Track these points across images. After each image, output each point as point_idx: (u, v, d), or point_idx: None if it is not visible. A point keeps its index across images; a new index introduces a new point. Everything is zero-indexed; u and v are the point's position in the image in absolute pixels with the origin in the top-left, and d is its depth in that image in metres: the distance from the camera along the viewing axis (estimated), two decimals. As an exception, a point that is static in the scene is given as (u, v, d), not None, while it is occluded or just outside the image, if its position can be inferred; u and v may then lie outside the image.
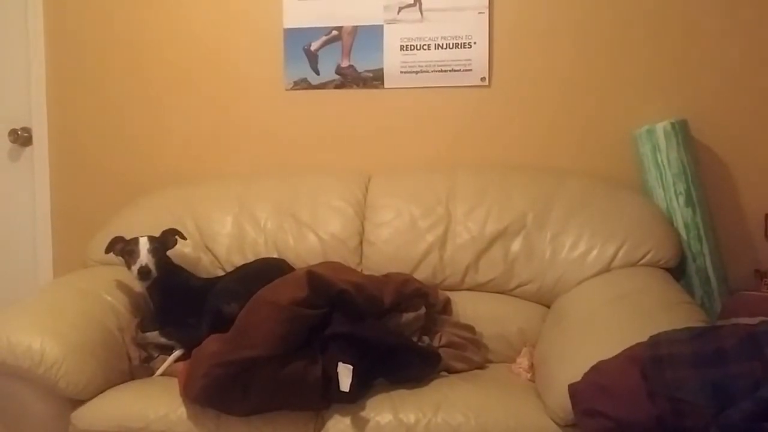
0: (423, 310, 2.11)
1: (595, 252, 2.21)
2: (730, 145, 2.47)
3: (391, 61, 2.63)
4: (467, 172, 2.46)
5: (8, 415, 1.95)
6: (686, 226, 2.32)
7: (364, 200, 2.45)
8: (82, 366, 1.89)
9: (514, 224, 2.30)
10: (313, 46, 2.67)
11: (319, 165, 2.69)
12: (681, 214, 2.33)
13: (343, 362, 1.76)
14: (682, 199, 2.33)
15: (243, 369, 1.77)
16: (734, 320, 1.77)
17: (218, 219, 2.47)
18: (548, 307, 2.23)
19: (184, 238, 2.29)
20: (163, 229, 2.26)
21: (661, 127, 2.35)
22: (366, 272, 2.32)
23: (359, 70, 2.65)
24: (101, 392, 1.93)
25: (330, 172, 2.57)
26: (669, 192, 2.35)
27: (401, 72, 2.62)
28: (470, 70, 2.59)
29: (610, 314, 1.89)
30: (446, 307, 2.24)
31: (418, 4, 2.59)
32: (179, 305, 2.17)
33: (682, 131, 2.36)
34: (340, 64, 2.67)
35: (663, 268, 2.18)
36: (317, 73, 2.68)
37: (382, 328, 2.00)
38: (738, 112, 2.46)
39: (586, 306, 2.02)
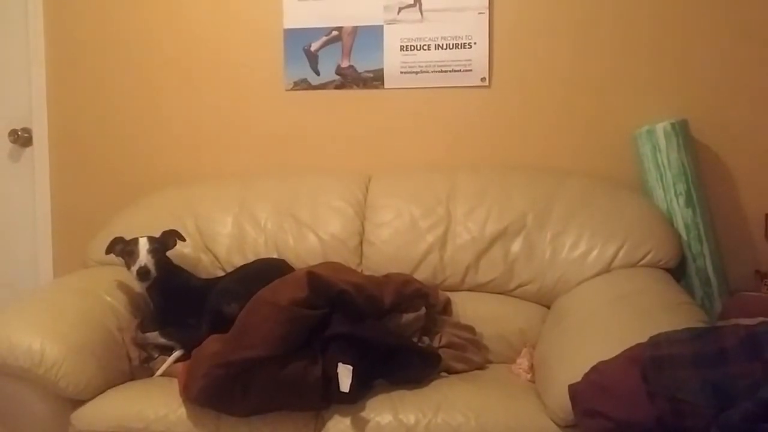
0: (423, 310, 2.11)
1: (595, 252, 2.21)
2: (730, 145, 2.47)
3: (391, 61, 2.63)
4: (467, 172, 2.46)
5: (8, 416, 1.95)
6: (686, 226, 2.32)
7: (364, 200, 2.45)
8: (82, 366, 1.89)
9: (514, 224, 2.30)
10: (313, 47, 2.67)
11: (319, 165, 2.69)
12: (681, 215, 2.33)
13: (343, 363, 1.76)
14: (682, 199, 2.33)
15: (243, 369, 1.77)
16: (734, 321, 1.77)
17: (218, 219, 2.47)
18: (548, 307, 2.23)
19: (183, 239, 2.29)
20: (163, 229, 2.26)
21: (661, 127, 2.35)
22: (366, 272, 2.32)
23: (359, 71, 2.65)
24: (101, 392, 1.93)
25: (330, 173, 2.57)
26: (669, 192, 2.34)
27: (401, 72, 2.62)
28: (470, 70, 2.59)
29: (611, 315, 1.89)
30: (446, 307, 2.24)
31: (418, 5, 2.59)
32: (179, 306, 2.17)
33: (682, 131, 2.36)
34: (340, 64, 2.67)
35: (663, 269, 2.18)
36: (317, 73, 2.68)
37: (382, 328, 1.99)
38: (738, 112, 2.46)
39: (586, 306, 2.02)
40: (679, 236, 2.30)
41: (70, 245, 2.83)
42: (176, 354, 2.10)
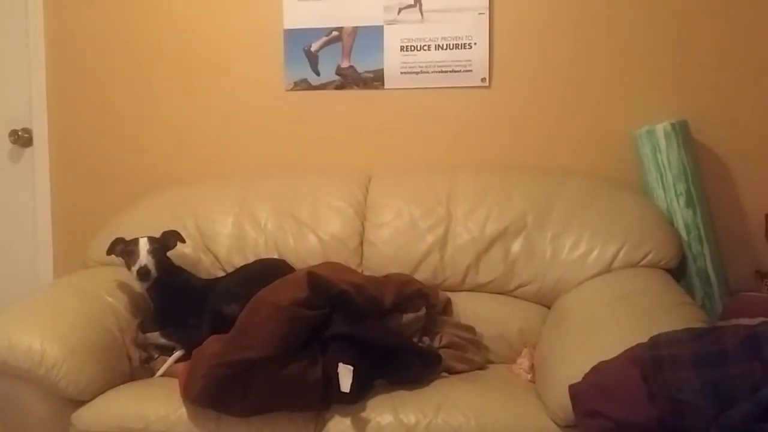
0: (423, 310, 2.11)
1: (595, 253, 2.21)
2: (731, 145, 2.47)
3: (392, 61, 2.63)
4: (467, 172, 2.46)
5: (8, 416, 1.95)
6: (687, 226, 2.32)
7: (364, 201, 2.45)
8: (82, 367, 1.89)
9: (514, 225, 2.30)
10: (314, 47, 2.67)
11: (319, 165, 2.69)
12: (681, 215, 2.33)
13: (344, 363, 1.76)
14: (682, 199, 2.33)
15: (243, 369, 1.77)
16: (735, 321, 1.77)
17: (218, 219, 2.47)
18: (549, 307, 2.23)
19: (183, 241, 2.29)
20: (164, 229, 2.26)
21: (661, 127, 2.35)
22: (366, 273, 2.32)
23: (359, 71, 2.65)
24: (101, 393, 1.93)
25: (330, 173, 2.57)
26: (669, 193, 2.35)
27: (401, 73, 2.62)
28: (470, 70, 2.59)
29: (611, 315, 1.89)
30: (446, 307, 2.24)
31: (418, 5, 2.59)
32: (179, 306, 2.17)
33: (683, 132, 2.36)
34: (341, 64, 2.67)
35: (663, 269, 2.18)
36: (317, 73, 2.68)
37: (383, 328, 2.00)
38: (738, 113, 2.46)
39: (586, 307, 2.02)
40: (680, 236, 2.30)
41: (70, 245, 2.83)
42: (176, 354, 2.10)
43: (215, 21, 2.73)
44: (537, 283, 2.26)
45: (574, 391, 1.59)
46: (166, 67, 2.78)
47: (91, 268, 2.45)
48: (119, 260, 2.23)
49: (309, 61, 2.68)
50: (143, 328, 2.16)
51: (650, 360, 1.52)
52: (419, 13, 2.60)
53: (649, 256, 2.18)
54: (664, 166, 2.35)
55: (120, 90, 2.81)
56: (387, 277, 2.21)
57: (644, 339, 1.59)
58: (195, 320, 2.10)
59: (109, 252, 2.22)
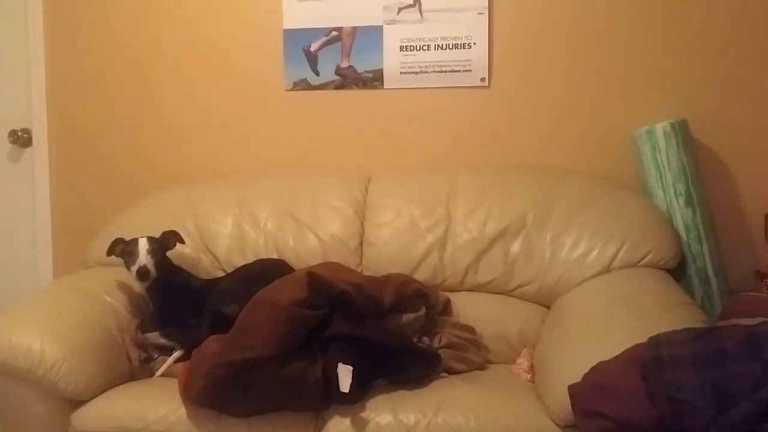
0: (423, 310, 2.11)
1: (595, 252, 2.21)
2: (730, 145, 2.47)
3: (391, 61, 2.63)
4: (467, 172, 2.46)
5: (8, 416, 1.95)
6: (686, 226, 2.32)
7: (364, 201, 2.45)
8: (82, 367, 1.89)
9: (514, 225, 2.30)
10: (313, 47, 2.67)
11: (319, 165, 2.69)
12: (681, 215, 2.33)
13: (343, 363, 1.76)
14: (682, 199, 2.33)
15: (243, 370, 1.77)
16: (734, 321, 1.77)
17: (218, 219, 2.47)
18: (548, 307, 2.23)
19: (182, 242, 2.29)
20: (163, 229, 2.26)
21: (660, 127, 2.35)
22: (366, 273, 2.32)
23: (359, 71, 2.65)
24: (101, 393, 1.93)
25: (330, 173, 2.57)
26: (669, 192, 2.34)
27: (401, 73, 2.62)
28: (470, 70, 2.59)
29: (610, 315, 1.89)
30: (446, 307, 2.24)
31: (417, 5, 2.59)
32: (179, 306, 2.17)
33: (682, 131, 2.36)
34: (340, 64, 2.67)
35: (663, 269, 2.18)
36: (317, 73, 2.68)
37: (382, 328, 1.99)
38: (738, 112, 2.46)
39: (586, 307, 2.02)
40: (679, 236, 2.30)
41: (70, 245, 2.83)
42: (176, 354, 2.10)
43: (215, 21, 2.73)
44: (537, 283, 2.26)
45: (574, 391, 1.59)
46: (166, 67, 2.78)
47: (90, 268, 2.45)
48: (119, 260, 2.23)
49: (308, 61, 2.68)
50: (143, 328, 2.16)
51: (650, 360, 1.52)
52: (419, 13, 2.60)
53: (649, 256, 2.18)
54: (663, 166, 2.35)
55: (120, 90, 2.81)
56: (387, 277, 2.21)
57: (644, 339, 1.59)
58: (195, 320, 2.11)
59: (109, 252, 2.22)
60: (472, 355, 2.09)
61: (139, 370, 2.08)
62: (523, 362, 2.05)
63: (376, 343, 1.89)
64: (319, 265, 2.22)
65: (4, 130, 2.90)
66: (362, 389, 1.82)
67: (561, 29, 2.53)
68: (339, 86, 2.68)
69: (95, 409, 1.89)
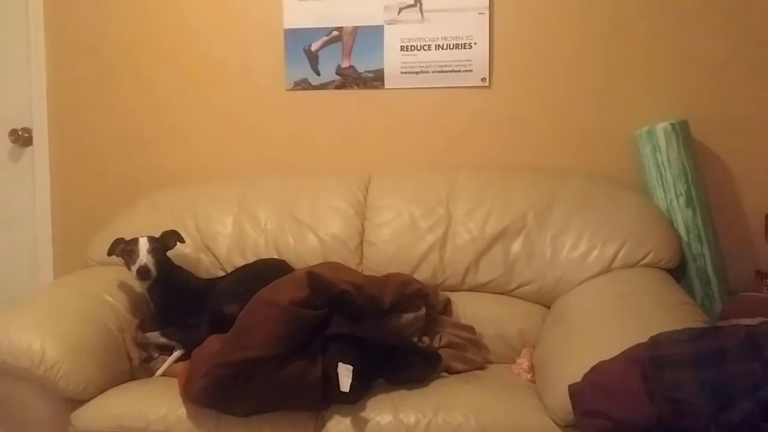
0: (423, 310, 2.11)
1: (595, 252, 2.21)
2: (731, 145, 2.47)
3: (392, 61, 2.63)
4: (467, 172, 2.46)
5: (8, 415, 1.95)
6: (686, 226, 2.32)
7: (364, 200, 2.45)
8: (82, 366, 1.89)
9: (514, 224, 2.30)
10: (314, 47, 2.67)
11: (319, 165, 2.69)
12: (681, 215, 2.33)
13: (343, 363, 1.76)
14: (682, 199, 2.33)
15: (243, 369, 1.77)
16: (735, 321, 1.77)
17: (218, 219, 2.47)
18: (548, 307, 2.23)
19: (183, 241, 2.29)
20: (163, 229, 2.26)
21: (661, 127, 2.35)
22: (366, 273, 2.32)
23: (360, 71, 2.65)
24: (101, 392, 1.93)
25: (330, 173, 2.57)
26: (669, 193, 2.34)
27: (401, 72, 2.62)
28: (470, 70, 2.59)
29: (610, 315, 1.89)
30: (446, 307, 2.24)
31: (418, 5, 2.59)
32: (179, 306, 2.17)
33: (683, 132, 2.36)
34: (341, 64, 2.67)
35: (663, 269, 2.18)
36: (318, 73, 2.68)
37: (382, 328, 1.99)
38: (738, 113, 2.46)
39: (586, 307, 2.02)
40: (679, 236, 2.30)
41: (70, 245, 2.83)
42: (176, 354, 2.10)
43: (215, 21, 2.73)
44: (537, 283, 2.25)
45: (574, 390, 1.59)
46: (166, 66, 2.78)
47: (91, 267, 2.45)
48: (119, 260, 2.23)
49: (309, 60, 2.68)
50: (143, 327, 2.16)
51: (650, 360, 1.52)
52: (419, 13, 2.60)
53: (649, 256, 2.18)
54: (664, 166, 2.35)
55: (120, 90, 2.81)
56: (387, 277, 2.21)
57: (644, 339, 1.59)
58: (195, 320, 2.10)
59: (110, 252, 2.22)
60: (472, 355, 2.09)
61: (139, 369, 2.08)
62: (523, 362, 2.05)
63: (376, 342, 1.89)
64: (320, 264, 2.22)
65: (4, 129, 2.90)
66: (362, 389, 1.82)
67: (561, 29, 2.53)
68: (339, 86, 2.68)
69: (95, 408, 1.89)
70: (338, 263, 2.29)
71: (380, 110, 2.66)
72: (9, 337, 1.87)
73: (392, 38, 2.62)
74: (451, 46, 2.59)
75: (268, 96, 2.72)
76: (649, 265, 2.18)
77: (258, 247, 2.41)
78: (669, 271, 2.19)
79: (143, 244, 2.17)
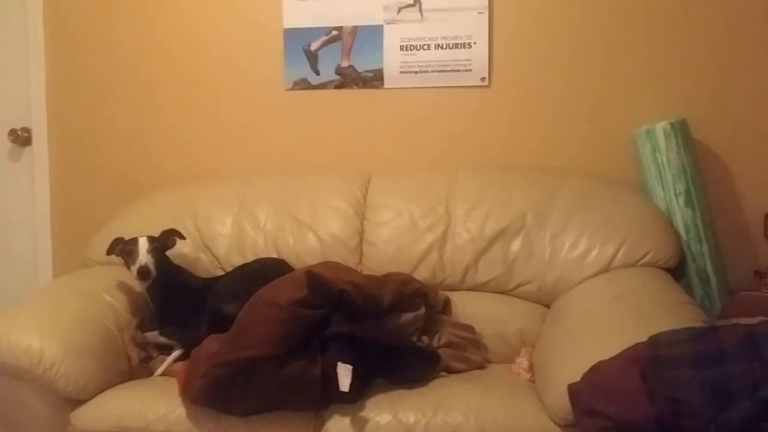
0: (423, 310, 2.11)
1: (594, 252, 2.21)
2: (730, 145, 2.47)
3: (391, 61, 2.63)
4: (467, 172, 2.46)
5: (7, 415, 1.95)
6: (686, 226, 2.32)
7: (363, 200, 2.45)
8: (81, 366, 1.89)
9: (513, 224, 2.30)
10: (313, 46, 2.67)
11: (319, 165, 2.69)
12: (681, 215, 2.33)
13: (343, 362, 1.76)
14: (681, 199, 2.33)
15: (242, 369, 1.77)
16: (734, 320, 1.77)
17: (218, 219, 2.47)
18: (548, 307, 2.23)
19: (183, 237, 2.29)
20: (163, 229, 2.26)
21: (660, 127, 2.35)
22: (366, 272, 2.32)
23: (359, 70, 2.65)
24: (100, 392, 1.93)
25: (330, 172, 2.57)
26: (669, 192, 2.34)
27: (401, 72, 2.62)
28: (470, 70, 2.59)
29: (610, 314, 1.89)
30: (446, 307, 2.24)
31: (417, 5, 2.59)
32: (179, 305, 2.17)
33: (682, 131, 2.36)
34: (340, 64, 2.67)
35: (663, 269, 2.18)
36: (317, 73, 2.68)
37: (382, 328, 1.99)
38: (738, 112, 2.46)
39: (585, 306, 2.02)
40: (679, 236, 2.30)
41: (70, 245, 2.83)
42: (176, 353, 2.10)
43: (215, 21, 2.73)
44: (536, 283, 2.25)
45: (573, 390, 1.59)
46: (166, 66, 2.78)
47: (90, 267, 2.45)
48: (119, 260, 2.23)
49: (309, 60, 2.68)
50: (142, 327, 2.16)
51: (649, 359, 1.52)
52: (419, 13, 2.60)
53: (649, 256, 2.18)
54: (663, 166, 2.35)
55: (120, 90, 2.81)
56: (386, 277, 2.22)
57: (643, 338, 1.59)
58: (194, 319, 2.10)
59: (109, 252, 2.22)
60: (472, 355, 2.09)
61: (139, 369, 2.08)
62: (522, 361, 2.05)
63: (376, 342, 1.89)
64: (319, 264, 2.22)
65: (4, 129, 2.90)
66: (362, 388, 1.82)
67: (561, 29, 2.53)
68: (339, 86, 2.68)
69: (94, 408, 1.88)
70: (338, 263, 2.29)
71: (380, 110, 2.66)
72: (8, 336, 1.87)
73: (392, 38, 2.62)
74: (451, 46, 2.59)
75: (267, 96, 2.72)
76: (648, 265, 2.18)
77: (257, 247, 2.41)
78: (668, 270, 2.19)
79: (143, 244, 2.17)
